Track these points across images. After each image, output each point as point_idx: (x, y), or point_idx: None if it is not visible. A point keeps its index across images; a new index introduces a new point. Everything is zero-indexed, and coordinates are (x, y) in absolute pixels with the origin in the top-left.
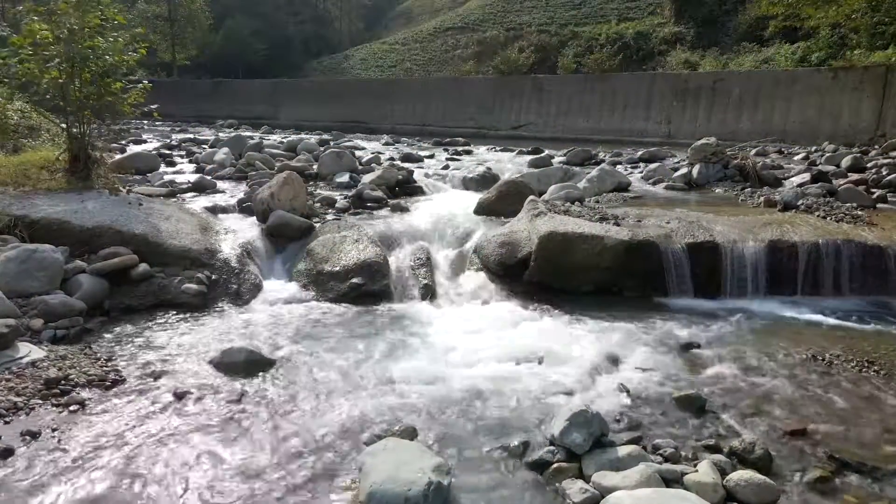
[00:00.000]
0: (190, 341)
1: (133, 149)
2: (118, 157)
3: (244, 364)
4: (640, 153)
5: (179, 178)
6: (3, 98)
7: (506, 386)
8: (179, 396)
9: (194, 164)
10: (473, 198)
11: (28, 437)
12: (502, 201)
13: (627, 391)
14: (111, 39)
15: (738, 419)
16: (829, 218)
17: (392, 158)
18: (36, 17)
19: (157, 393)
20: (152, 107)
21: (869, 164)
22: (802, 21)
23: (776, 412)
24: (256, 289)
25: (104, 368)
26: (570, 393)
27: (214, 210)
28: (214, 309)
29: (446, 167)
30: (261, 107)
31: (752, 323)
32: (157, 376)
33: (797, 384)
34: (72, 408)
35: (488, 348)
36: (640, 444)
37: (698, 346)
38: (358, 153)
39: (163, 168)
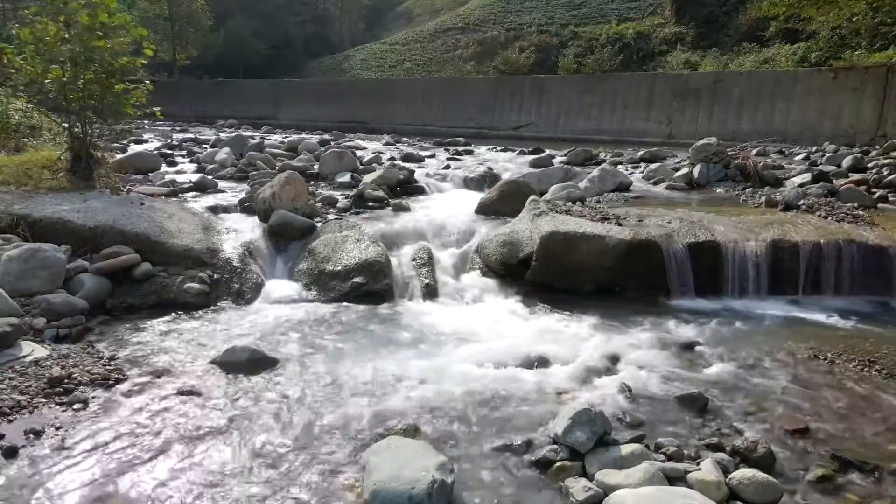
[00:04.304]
0: (192, 340)
1: (134, 148)
2: (119, 156)
3: (247, 363)
4: (640, 153)
5: (181, 178)
6: (4, 97)
7: (508, 385)
8: (182, 395)
9: (195, 164)
10: (475, 197)
11: (31, 436)
12: (503, 201)
13: (629, 390)
14: (120, 38)
15: (741, 418)
16: (830, 218)
17: (393, 158)
18: (39, 19)
19: (160, 392)
20: (155, 109)
21: (870, 165)
22: (803, 23)
23: (778, 411)
24: (258, 288)
25: (107, 367)
26: (572, 392)
27: (216, 210)
28: (216, 308)
29: (447, 167)
30: (261, 107)
31: (754, 322)
32: (159, 375)
33: (799, 383)
34: (75, 406)
35: (490, 348)
36: (643, 443)
37: (700, 346)
38: (359, 153)
39: (164, 168)
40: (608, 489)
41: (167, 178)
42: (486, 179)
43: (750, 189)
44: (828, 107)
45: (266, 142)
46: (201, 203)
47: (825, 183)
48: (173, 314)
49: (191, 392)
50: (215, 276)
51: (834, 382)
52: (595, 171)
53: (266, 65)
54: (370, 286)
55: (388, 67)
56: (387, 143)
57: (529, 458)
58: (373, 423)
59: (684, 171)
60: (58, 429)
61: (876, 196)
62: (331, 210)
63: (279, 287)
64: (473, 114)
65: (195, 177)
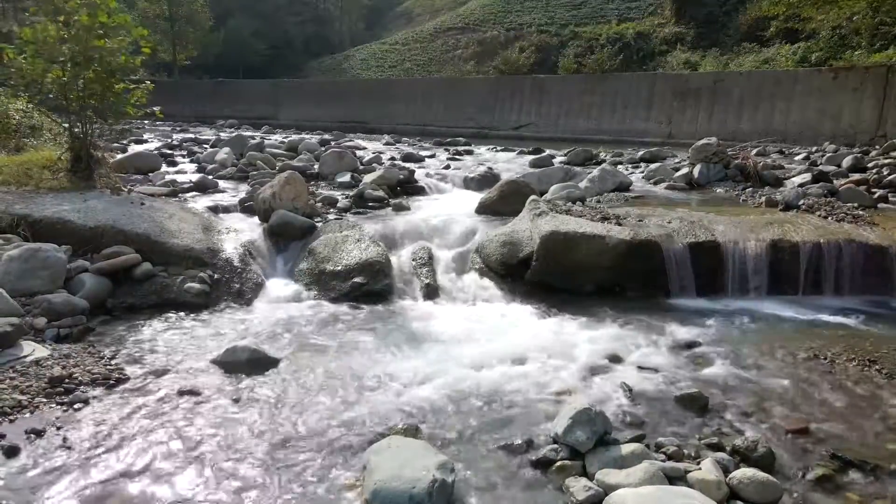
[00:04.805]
0: (193, 340)
1: (134, 148)
2: (120, 156)
3: (247, 363)
4: (640, 153)
5: (181, 178)
6: (5, 98)
7: (508, 385)
8: (183, 395)
9: (195, 164)
10: (475, 197)
11: (33, 436)
12: (504, 201)
13: (630, 390)
14: (120, 38)
15: (741, 418)
16: (830, 218)
17: (393, 158)
18: (38, 19)
19: (161, 391)
20: (155, 108)
21: (870, 165)
22: (804, 23)
23: (778, 411)
24: (259, 288)
25: (108, 367)
26: (572, 392)
27: (216, 209)
28: (217, 308)
29: (447, 167)
30: (261, 107)
31: (754, 322)
32: (160, 375)
33: (799, 383)
34: (76, 406)
35: (490, 347)
36: (643, 443)
37: (700, 346)
38: (359, 153)
39: (164, 168)
40: (608, 488)
41: (167, 178)
42: (486, 179)
43: (750, 189)
44: (828, 107)
45: (266, 142)
46: (201, 203)
47: (825, 183)
48: (174, 314)
49: (191, 391)
50: (216, 275)
51: (834, 382)
52: (595, 171)
53: (266, 65)
54: (370, 286)
55: (388, 67)
56: (387, 143)
57: (530, 457)
58: (373, 422)
59: (684, 171)
60: (59, 428)
61: (876, 196)
62: (331, 210)
63: (279, 287)
64: (473, 114)
65: (195, 177)
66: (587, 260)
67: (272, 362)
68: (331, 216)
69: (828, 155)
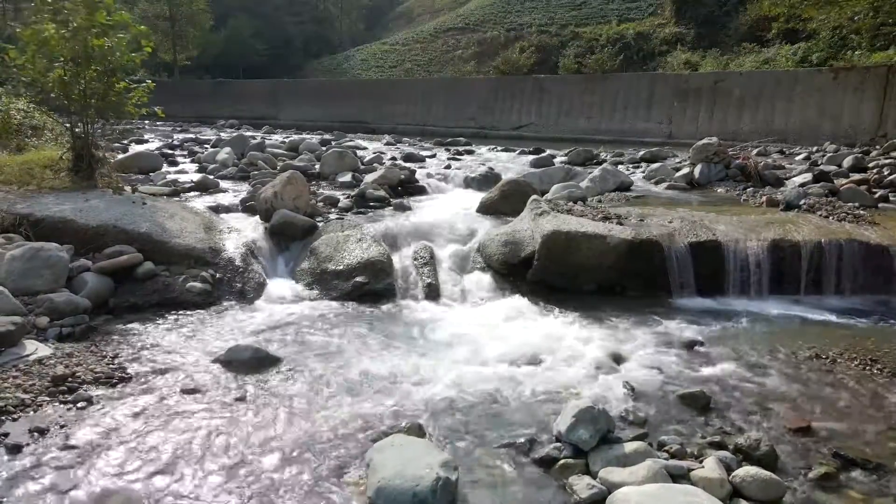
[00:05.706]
0: (195, 339)
1: (135, 148)
2: (121, 156)
3: (250, 362)
4: (641, 153)
5: (182, 178)
6: (6, 98)
7: (511, 384)
8: (186, 394)
9: (196, 164)
10: (476, 197)
11: (36, 434)
12: (505, 200)
13: (632, 389)
14: (119, 37)
15: (743, 416)
16: (831, 217)
17: (394, 158)
18: (38, 18)
19: (164, 390)
20: (156, 108)
21: (870, 164)
22: (804, 23)
23: (780, 410)
24: (260, 287)
25: (110, 366)
26: (574, 391)
27: (218, 209)
28: (219, 307)
29: (448, 167)
30: (262, 107)
31: (755, 322)
32: (162, 374)
33: (800, 382)
34: (79, 405)
35: (492, 347)
36: (646, 441)
37: (702, 345)
38: (360, 153)
39: (165, 168)
40: (612, 487)
41: (168, 177)
42: (487, 179)
43: (751, 189)
44: (828, 107)
45: (267, 142)
46: (203, 203)
47: (826, 183)
48: (176, 313)
49: (194, 390)
50: (217, 275)
51: (835, 381)
52: (596, 171)
53: (266, 65)
54: (372, 285)
55: (388, 68)
56: (387, 143)
57: (533, 456)
58: (376, 421)
59: (685, 170)
60: (62, 427)
61: (877, 196)
62: (332, 210)
63: (281, 286)
64: (474, 114)
65: (197, 176)
66: (589, 259)
67: (274, 361)
68: (332, 216)
69: (828, 155)
